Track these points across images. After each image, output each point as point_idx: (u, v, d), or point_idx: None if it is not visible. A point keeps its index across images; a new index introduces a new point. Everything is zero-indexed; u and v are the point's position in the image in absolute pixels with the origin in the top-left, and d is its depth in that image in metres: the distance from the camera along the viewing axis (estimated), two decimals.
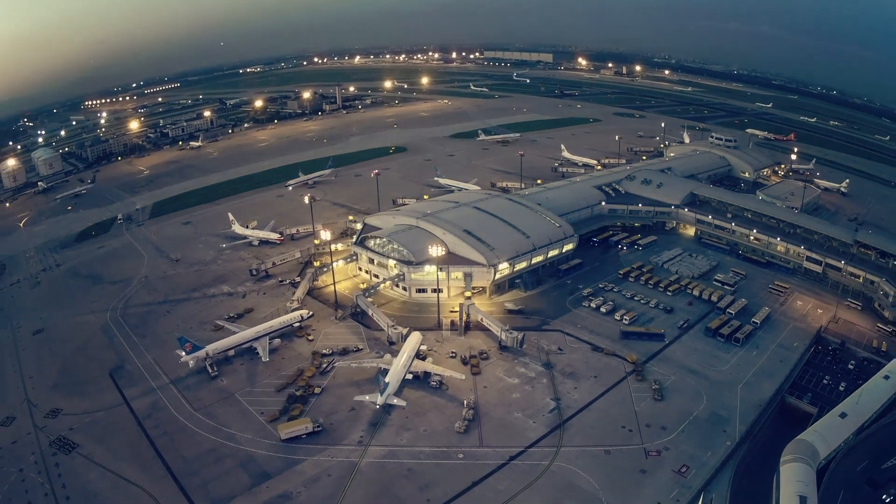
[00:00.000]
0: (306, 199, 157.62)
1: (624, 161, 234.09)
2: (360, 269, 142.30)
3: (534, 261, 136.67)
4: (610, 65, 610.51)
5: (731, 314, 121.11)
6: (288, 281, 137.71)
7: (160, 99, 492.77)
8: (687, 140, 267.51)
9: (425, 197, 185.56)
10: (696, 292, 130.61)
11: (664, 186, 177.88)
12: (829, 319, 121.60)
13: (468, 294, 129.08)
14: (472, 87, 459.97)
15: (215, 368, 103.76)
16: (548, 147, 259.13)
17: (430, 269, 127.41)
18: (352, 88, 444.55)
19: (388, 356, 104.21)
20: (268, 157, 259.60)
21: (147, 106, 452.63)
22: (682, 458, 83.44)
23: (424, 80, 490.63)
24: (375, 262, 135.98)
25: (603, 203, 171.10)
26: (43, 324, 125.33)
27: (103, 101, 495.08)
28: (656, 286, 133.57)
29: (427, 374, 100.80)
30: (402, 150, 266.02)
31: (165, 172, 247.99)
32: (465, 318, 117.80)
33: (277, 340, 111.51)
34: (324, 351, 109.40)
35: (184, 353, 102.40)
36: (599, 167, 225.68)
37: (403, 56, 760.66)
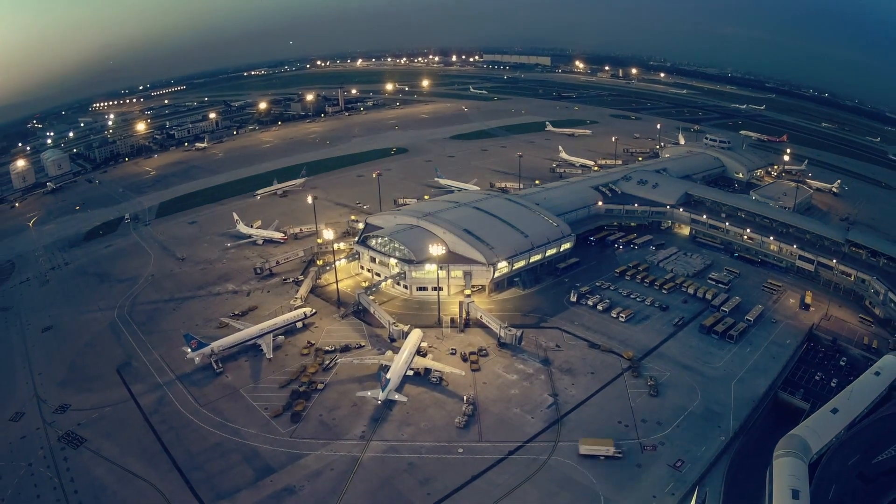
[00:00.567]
0: (309, 200, 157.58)
1: (620, 162, 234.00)
2: (361, 267, 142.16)
3: (532, 260, 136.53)
4: (606, 68, 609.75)
5: (725, 312, 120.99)
6: (291, 279, 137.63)
7: (166, 101, 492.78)
8: (682, 141, 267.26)
9: (426, 197, 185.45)
10: (690, 290, 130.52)
11: (660, 187, 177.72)
12: (821, 317, 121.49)
13: (468, 292, 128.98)
14: (472, 90, 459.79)
15: (220, 365, 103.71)
16: (546, 148, 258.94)
17: (430, 267, 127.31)
18: (354, 91, 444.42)
19: (389, 353, 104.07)
20: (272, 158, 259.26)
21: (153, 108, 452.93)
22: (678, 452, 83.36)
23: (425, 83, 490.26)
24: (377, 260, 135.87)
25: (600, 203, 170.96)
26: (52, 321, 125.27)
27: (111, 103, 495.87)
28: (652, 284, 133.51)
29: (427, 371, 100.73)
30: (403, 151, 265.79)
31: (172, 173, 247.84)
32: (464, 315, 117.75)
33: (281, 338, 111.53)
34: (326, 348, 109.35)
35: (189, 350, 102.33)
36: (596, 168, 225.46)
37: (404, 59, 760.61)
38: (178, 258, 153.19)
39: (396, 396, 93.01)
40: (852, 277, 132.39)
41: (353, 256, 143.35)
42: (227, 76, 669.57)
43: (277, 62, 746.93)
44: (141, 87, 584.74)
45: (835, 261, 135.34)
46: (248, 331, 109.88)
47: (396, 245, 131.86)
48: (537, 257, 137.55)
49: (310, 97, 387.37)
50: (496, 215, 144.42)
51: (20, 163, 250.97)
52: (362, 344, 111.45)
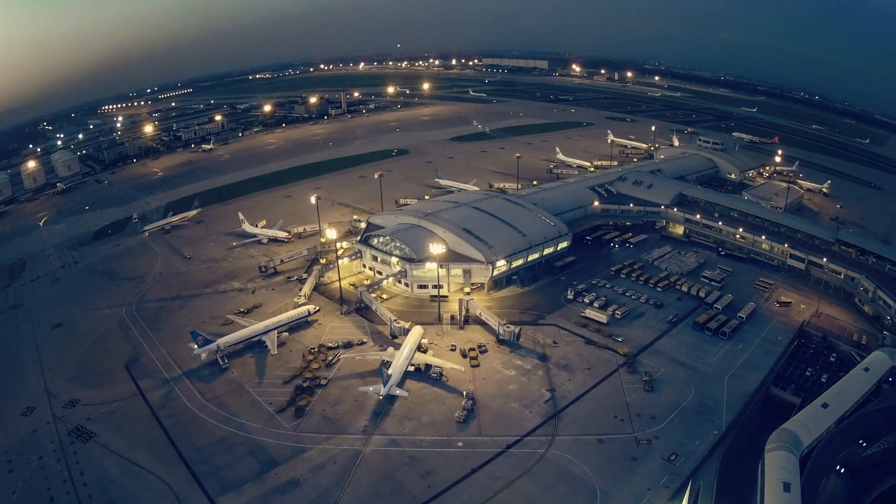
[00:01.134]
0: (313, 200, 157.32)
1: (616, 163, 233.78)
2: (364, 266, 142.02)
3: (530, 258, 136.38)
4: (602, 71, 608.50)
5: (718, 309, 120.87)
6: (295, 277, 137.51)
7: (173, 104, 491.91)
8: (676, 143, 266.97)
9: (426, 197, 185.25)
10: (684, 288, 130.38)
11: (654, 187, 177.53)
12: (811, 314, 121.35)
13: (467, 290, 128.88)
14: (471, 93, 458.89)
15: (226, 361, 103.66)
16: (543, 150, 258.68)
17: (430, 266, 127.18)
18: (356, 94, 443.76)
19: (390, 349, 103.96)
20: (276, 160, 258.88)
21: (161, 110, 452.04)
22: (672, 446, 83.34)
23: (425, 86, 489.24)
24: (379, 259, 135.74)
25: (596, 203, 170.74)
26: (62, 318, 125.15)
27: (119, 105, 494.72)
28: (647, 282, 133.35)
29: (428, 367, 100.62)
30: (405, 153, 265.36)
31: (179, 174, 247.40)
32: (464, 312, 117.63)
33: (285, 334, 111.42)
34: (329, 344, 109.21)
35: (196, 347, 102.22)
36: (592, 169, 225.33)
37: (405, 63, 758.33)
38: (184, 257, 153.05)
39: (398, 392, 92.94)
40: (842, 276, 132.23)
41: (356, 255, 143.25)
42: (233, 79, 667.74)
43: (282, 66, 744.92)
44: (149, 90, 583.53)
45: (825, 259, 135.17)
46: (252, 328, 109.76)
47: (398, 244, 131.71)
48: (535, 256, 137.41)
49: (313, 100, 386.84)
50: (495, 215, 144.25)
51: (31, 164, 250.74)
52: (364, 340, 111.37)
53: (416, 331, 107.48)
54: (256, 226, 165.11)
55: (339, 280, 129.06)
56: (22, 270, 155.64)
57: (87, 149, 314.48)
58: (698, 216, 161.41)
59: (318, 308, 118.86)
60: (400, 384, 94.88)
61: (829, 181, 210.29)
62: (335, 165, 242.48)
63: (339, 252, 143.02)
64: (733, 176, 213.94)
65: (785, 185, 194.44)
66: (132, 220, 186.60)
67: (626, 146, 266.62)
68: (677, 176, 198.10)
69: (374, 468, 79.85)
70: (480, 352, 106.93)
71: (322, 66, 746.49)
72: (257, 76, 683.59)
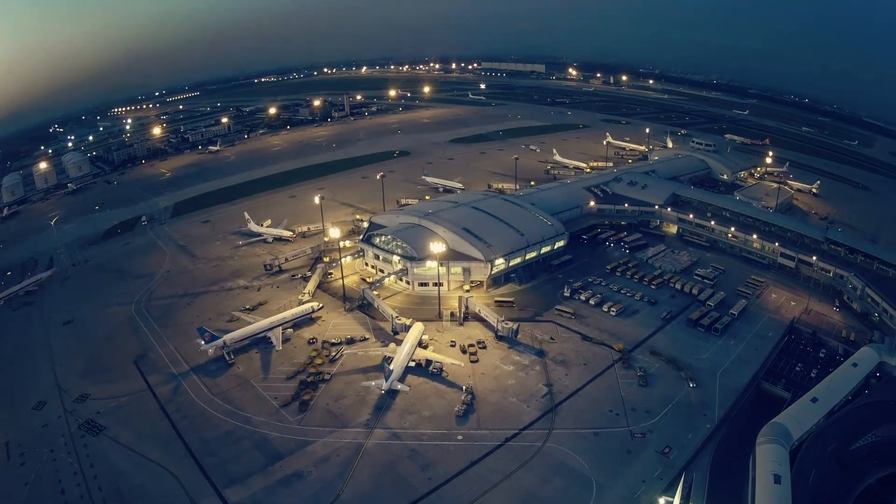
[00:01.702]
0: (316, 200, 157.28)
1: (611, 164, 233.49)
2: (366, 264, 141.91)
3: (527, 257, 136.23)
4: (598, 75, 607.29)
5: (711, 306, 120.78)
6: (300, 275, 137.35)
7: (181, 107, 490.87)
8: (670, 145, 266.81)
9: (427, 198, 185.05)
10: (678, 286, 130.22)
11: (648, 188, 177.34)
12: (801, 311, 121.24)
13: (467, 287, 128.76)
14: (470, 96, 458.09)
15: (232, 357, 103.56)
16: (541, 151, 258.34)
17: (431, 264, 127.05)
18: (359, 97, 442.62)
19: (392, 345, 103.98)
20: (281, 161, 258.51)
21: (169, 113, 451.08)
22: (666, 439, 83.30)
23: (426, 89, 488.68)
24: (381, 257, 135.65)
25: (592, 203, 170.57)
26: (72, 315, 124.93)
27: (128, 108, 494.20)
28: (641, 280, 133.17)
29: (428, 362, 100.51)
30: (406, 154, 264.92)
31: (186, 175, 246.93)
32: (463, 309, 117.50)
33: (290, 331, 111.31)
34: (332, 340, 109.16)
35: (203, 343, 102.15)
36: (588, 170, 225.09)
37: (407, 66, 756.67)
38: (192, 255, 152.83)
39: (399, 386, 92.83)
40: (831, 273, 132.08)
41: (358, 254, 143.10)
42: (239, 83, 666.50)
43: (286, 69, 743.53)
44: (157, 94, 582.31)
45: (815, 258, 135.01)
46: (258, 324, 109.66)
47: (399, 243, 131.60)
48: (532, 255, 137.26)
49: (317, 103, 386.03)
50: (494, 215, 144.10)
51: (42, 165, 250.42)
52: (367, 336, 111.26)
53: (417, 327, 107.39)
54: (262, 225, 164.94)
55: (343, 278, 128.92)
56: (34, 268, 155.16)
57: (97, 150, 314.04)
58: (691, 216, 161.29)
59: (321, 305, 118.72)
60: (401, 379, 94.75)
61: (818, 182, 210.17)
62: (338, 166, 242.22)
63: (342, 249, 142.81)
64: (725, 177, 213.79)
65: (776, 185, 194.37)
66: (141, 222, 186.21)
67: (623, 148, 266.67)
68: (671, 177, 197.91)
69: (376, 461, 79.80)
70: (479, 348, 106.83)
71: (325, 70, 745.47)
72: (262, 80, 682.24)
